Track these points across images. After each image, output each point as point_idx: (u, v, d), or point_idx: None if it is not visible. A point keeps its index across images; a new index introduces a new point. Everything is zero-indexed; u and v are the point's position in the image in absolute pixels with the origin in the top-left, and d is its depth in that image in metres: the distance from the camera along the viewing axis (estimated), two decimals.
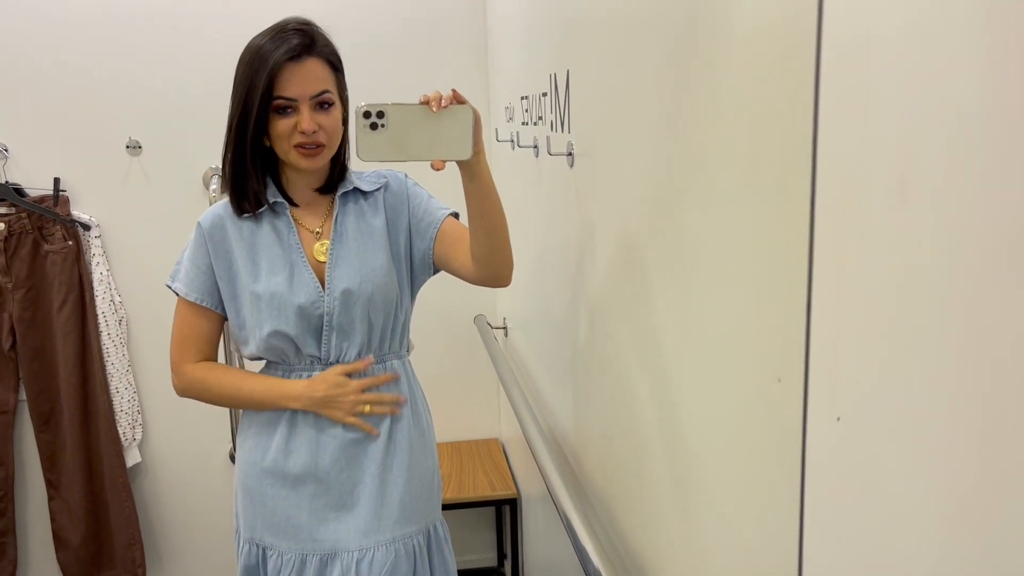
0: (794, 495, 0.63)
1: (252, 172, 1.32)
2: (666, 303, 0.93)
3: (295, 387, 1.35)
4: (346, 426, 1.38)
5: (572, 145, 1.31)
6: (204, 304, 1.38)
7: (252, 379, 1.38)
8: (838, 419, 0.58)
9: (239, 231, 1.36)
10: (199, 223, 1.37)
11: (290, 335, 1.34)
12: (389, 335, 1.42)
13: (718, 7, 0.74)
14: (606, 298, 1.19)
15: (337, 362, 1.38)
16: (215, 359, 1.43)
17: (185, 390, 1.41)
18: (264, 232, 1.36)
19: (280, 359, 1.39)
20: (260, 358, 1.41)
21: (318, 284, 1.35)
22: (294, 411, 1.37)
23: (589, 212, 1.25)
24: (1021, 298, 0.42)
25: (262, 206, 1.35)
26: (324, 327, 1.35)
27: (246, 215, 1.35)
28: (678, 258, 0.88)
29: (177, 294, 1.39)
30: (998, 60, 0.42)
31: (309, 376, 1.37)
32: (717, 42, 0.74)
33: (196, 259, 1.37)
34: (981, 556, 0.46)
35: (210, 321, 1.39)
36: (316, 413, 1.36)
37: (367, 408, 1.36)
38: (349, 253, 1.36)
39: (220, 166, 2.36)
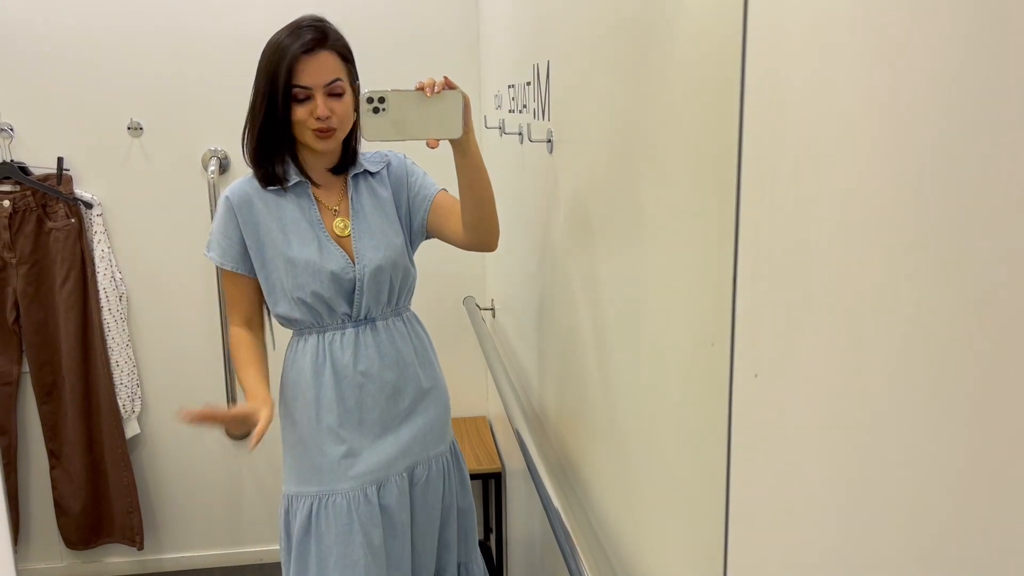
0: (722, 444, 0.72)
1: (276, 153, 1.48)
2: (624, 280, 1.01)
3: (256, 395, 1.47)
4: (384, 366, 1.55)
5: (551, 132, 1.39)
6: (238, 271, 1.53)
7: (248, 371, 1.52)
8: (756, 376, 0.66)
9: (265, 203, 1.51)
10: (227, 196, 1.51)
11: (325, 296, 1.50)
12: (406, 292, 1.62)
13: (664, 14, 0.82)
14: (575, 278, 1.27)
15: (366, 319, 1.55)
16: (259, 317, 1.59)
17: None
18: (290, 206, 1.51)
19: (314, 320, 1.54)
20: (289, 319, 1.54)
21: (346, 255, 1.51)
22: (335, 367, 1.53)
23: (564, 196, 1.33)
24: (913, 266, 0.50)
25: (286, 182, 1.50)
26: (356, 291, 1.52)
27: (270, 188, 1.51)
28: (635, 238, 0.96)
29: (215, 263, 1.54)
30: (883, 63, 0.50)
31: (342, 333, 1.54)
32: (665, 44, 0.82)
33: (227, 230, 1.51)
34: (877, 486, 0.55)
35: (246, 285, 1.55)
36: (353, 360, 1.53)
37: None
38: (371, 227, 1.54)
39: (217, 148, 2.45)
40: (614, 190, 1.04)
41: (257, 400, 1.45)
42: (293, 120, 1.43)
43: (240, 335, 1.56)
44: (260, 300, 1.58)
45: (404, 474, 1.59)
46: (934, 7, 0.46)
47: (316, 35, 1.41)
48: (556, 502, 1.17)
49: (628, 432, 1.03)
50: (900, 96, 0.49)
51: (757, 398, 0.66)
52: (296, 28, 1.42)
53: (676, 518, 0.87)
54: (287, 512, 1.56)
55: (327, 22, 1.45)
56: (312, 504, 1.53)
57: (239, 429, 1.43)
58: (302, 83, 1.40)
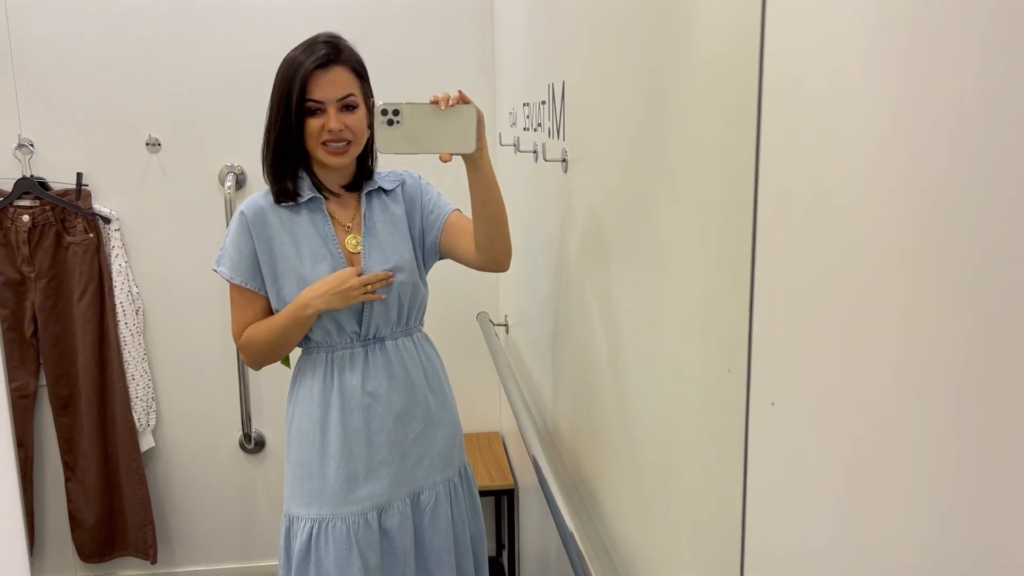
0: (738, 471, 0.71)
1: (291, 168, 1.48)
2: (639, 302, 1.01)
3: (300, 298, 1.47)
4: (392, 387, 1.53)
5: (566, 151, 1.39)
6: (248, 287, 1.51)
7: (275, 317, 1.51)
8: (772, 404, 0.66)
9: (279, 219, 1.50)
10: (242, 211, 1.51)
11: (334, 314, 1.49)
12: (416, 311, 1.60)
13: (684, 33, 0.82)
14: (589, 299, 1.27)
15: (375, 337, 1.54)
16: None
17: (250, 360, 1.55)
18: (303, 222, 1.51)
19: (323, 339, 1.53)
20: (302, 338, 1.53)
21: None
22: (342, 387, 1.52)
23: (579, 215, 1.33)
24: (935, 293, 0.49)
25: (300, 198, 1.50)
26: (364, 308, 1.51)
27: (285, 204, 1.50)
28: (651, 261, 0.96)
29: (224, 278, 1.52)
30: (896, 95, 0.50)
31: (351, 353, 1.53)
32: (682, 64, 0.82)
33: (240, 245, 1.50)
34: (889, 512, 0.54)
35: (257, 301, 1.53)
36: (361, 381, 1.51)
37: (369, 287, 1.48)
38: (380, 244, 1.54)
39: (234, 164, 2.47)
40: (629, 211, 1.04)
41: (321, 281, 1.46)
42: (305, 134, 1.44)
43: (247, 332, 1.52)
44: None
45: (407, 499, 1.57)
46: (955, 20, 0.46)
47: (330, 51, 1.42)
48: (570, 525, 1.17)
49: (643, 455, 1.02)
50: (921, 121, 0.49)
51: (774, 427, 0.66)
52: (311, 44, 1.44)
53: (691, 544, 0.87)
54: (288, 531, 1.56)
55: (341, 39, 1.47)
56: (312, 528, 1.52)
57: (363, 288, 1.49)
58: (315, 97, 1.41)
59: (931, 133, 0.48)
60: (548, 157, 1.49)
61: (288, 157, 1.47)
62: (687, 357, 0.85)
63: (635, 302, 1.03)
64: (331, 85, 1.42)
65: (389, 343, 1.55)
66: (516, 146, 1.91)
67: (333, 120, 1.42)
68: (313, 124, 1.43)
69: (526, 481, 2.28)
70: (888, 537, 0.54)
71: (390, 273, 1.51)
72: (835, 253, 0.57)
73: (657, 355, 0.96)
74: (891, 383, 0.52)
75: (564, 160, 1.40)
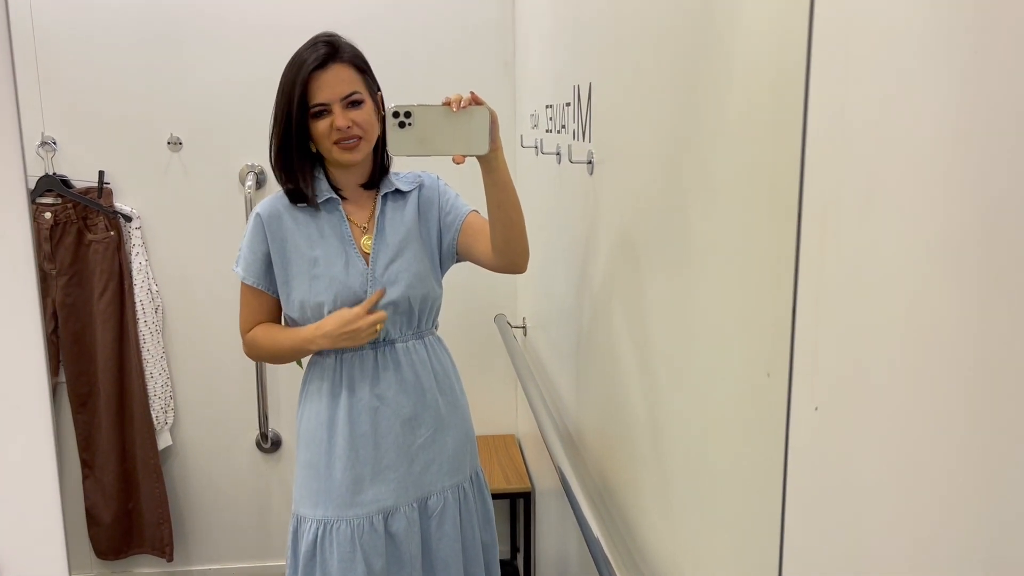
0: (777, 481, 0.70)
1: (299, 170, 1.48)
2: (672, 305, 1.00)
3: (307, 332, 1.48)
4: (401, 390, 1.52)
5: (592, 153, 1.38)
6: (259, 287, 1.52)
7: (283, 333, 1.53)
8: (816, 409, 0.65)
9: (295, 220, 1.51)
10: (258, 213, 1.51)
11: None
12: (427, 314, 1.57)
13: (723, 34, 0.81)
14: (618, 300, 1.26)
15: (385, 340, 1.53)
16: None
17: (251, 356, 1.59)
18: (320, 223, 1.51)
19: None
20: None
21: (369, 273, 1.51)
22: (351, 389, 1.51)
23: (606, 217, 1.32)
24: (973, 298, 0.49)
25: (315, 199, 1.49)
26: (371, 311, 1.49)
27: (301, 205, 1.50)
28: (685, 263, 0.95)
29: (239, 277, 1.54)
30: (953, 99, 0.49)
31: (361, 355, 1.52)
32: (722, 65, 0.81)
33: (254, 246, 1.51)
34: (940, 523, 0.53)
35: (266, 301, 1.55)
36: (371, 383, 1.51)
37: (379, 326, 1.48)
38: (389, 246, 1.53)
39: (254, 164, 2.48)
40: (662, 212, 1.03)
41: (334, 315, 1.46)
42: (315, 136, 1.44)
43: (255, 330, 1.55)
44: (276, 318, 1.57)
45: (414, 504, 1.56)
46: (1006, 23, 0.45)
47: (327, 50, 1.42)
48: (596, 530, 1.16)
49: (674, 461, 1.01)
50: (975, 124, 0.48)
51: (817, 433, 0.64)
52: (311, 45, 1.44)
53: (725, 553, 0.85)
54: (295, 532, 1.56)
55: (339, 37, 1.46)
56: (318, 530, 1.51)
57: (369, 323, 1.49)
58: (318, 100, 1.42)
59: (985, 137, 0.47)
60: (574, 159, 1.48)
61: (297, 158, 1.46)
62: (722, 362, 0.84)
63: (667, 304, 1.02)
64: (332, 85, 1.41)
65: (400, 346, 1.54)
66: (539, 148, 1.90)
67: (339, 118, 1.41)
68: (321, 126, 1.42)
69: (543, 484, 2.27)
70: (946, 556, 0.52)
71: (380, 291, 1.49)
72: (885, 256, 0.56)
73: (690, 360, 0.95)
74: (947, 388, 0.51)
75: (590, 162, 1.40)
